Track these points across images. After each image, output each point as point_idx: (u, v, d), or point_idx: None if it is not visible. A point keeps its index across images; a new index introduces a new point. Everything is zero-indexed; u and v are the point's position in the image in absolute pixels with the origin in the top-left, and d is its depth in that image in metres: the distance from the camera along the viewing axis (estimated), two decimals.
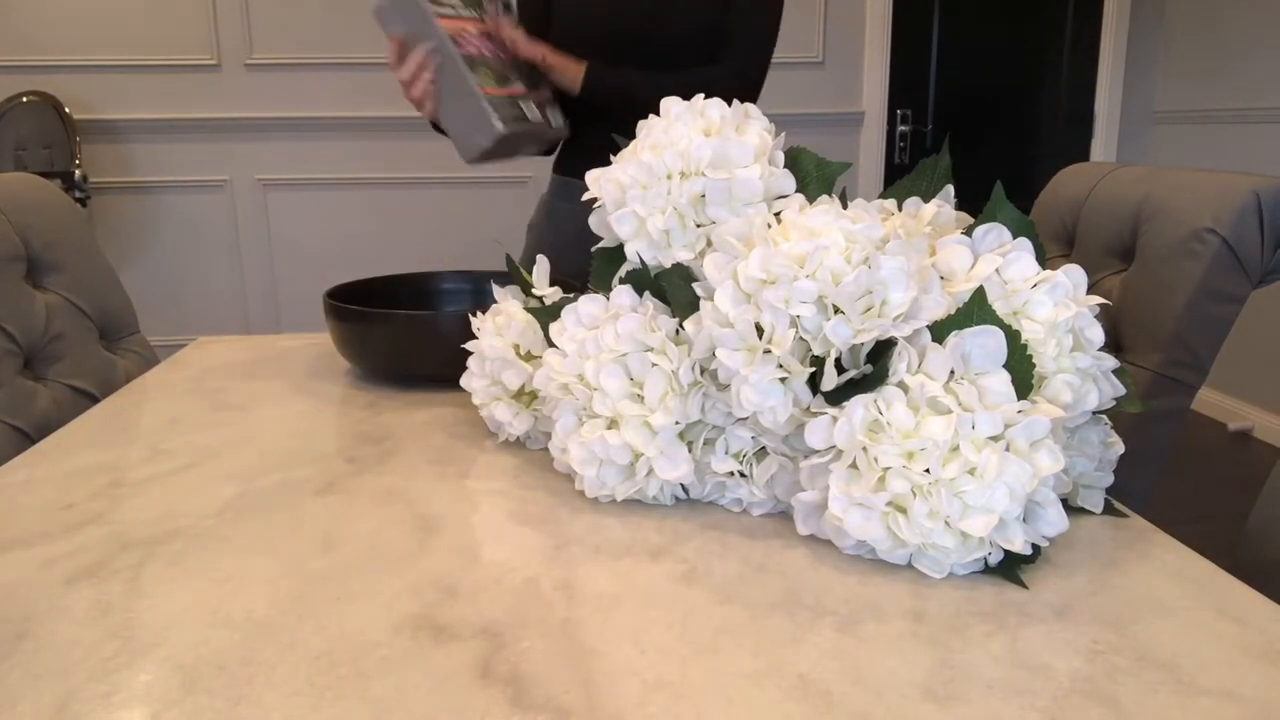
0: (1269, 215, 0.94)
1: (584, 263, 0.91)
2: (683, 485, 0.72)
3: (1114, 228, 1.09)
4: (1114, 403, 0.68)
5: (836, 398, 0.62)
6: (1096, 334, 0.66)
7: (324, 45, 3.31)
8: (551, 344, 0.75)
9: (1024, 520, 0.60)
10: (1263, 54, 3.21)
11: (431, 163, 3.38)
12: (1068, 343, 0.65)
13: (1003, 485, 0.57)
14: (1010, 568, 0.60)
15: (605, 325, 0.71)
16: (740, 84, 1.35)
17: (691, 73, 1.33)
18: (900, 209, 0.75)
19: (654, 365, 0.68)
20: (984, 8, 3.66)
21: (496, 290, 0.87)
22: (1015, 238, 0.68)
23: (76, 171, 3.11)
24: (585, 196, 0.80)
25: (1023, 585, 0.59)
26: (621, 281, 0.76)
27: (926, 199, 0.75)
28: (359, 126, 3.37)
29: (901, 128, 3.69)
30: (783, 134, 0.77)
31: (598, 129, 1.36)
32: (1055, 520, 0.61)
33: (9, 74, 3.20)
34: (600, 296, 0.74)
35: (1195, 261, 0.96)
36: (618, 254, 0.79)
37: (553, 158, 1.53)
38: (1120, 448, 0.71)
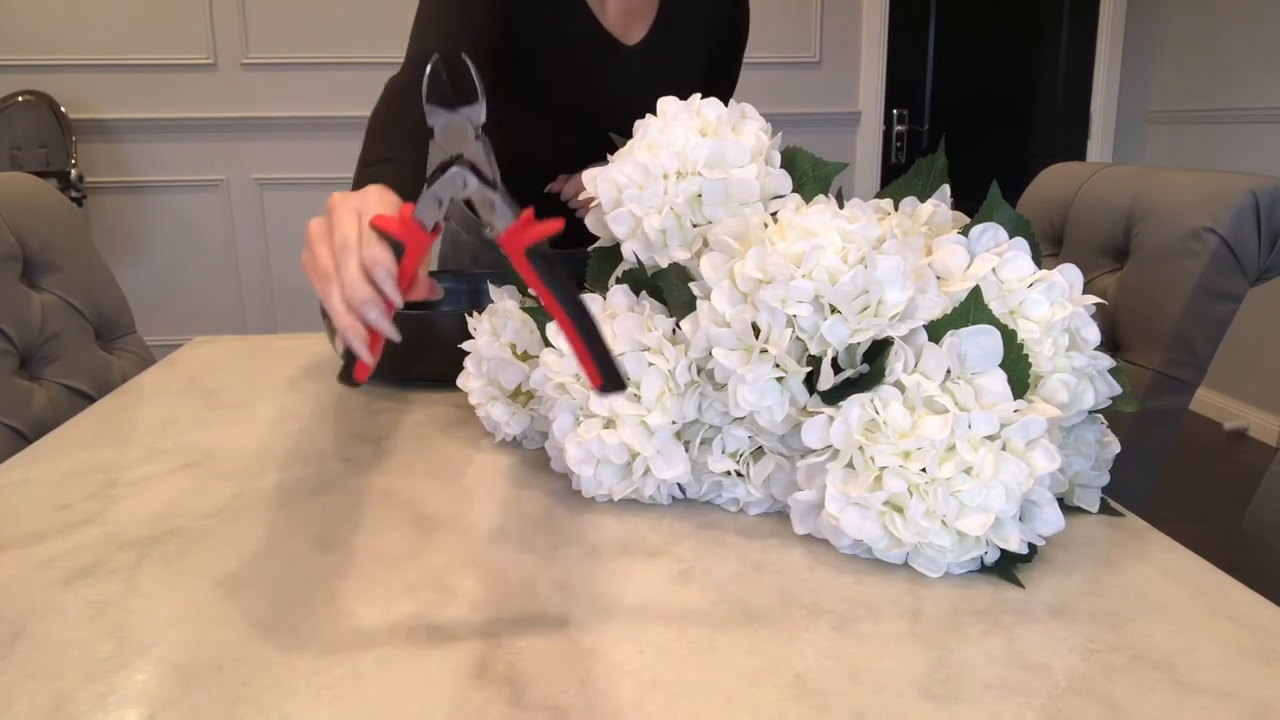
0: (1265, 214, 0.94)
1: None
2: (679, 485, 0.72)
3: (1105, 227, 1.10)
4: (1110, 402, 0.68)
5: (833, 397, 0.62)
6: (1092, 333, 0.66)
7: (320, 45, 3.30)
8: (548, 343, 0.75)
9: (1020, 519, 0.60)
10: (1257, 54, 3.22)
11: None
12: (1064, 342, 0.65)
13: (999, 484, 0.57)
14: (1007, 567, 0.60)
15: (602, 325, 0.71)
16: None
17: None
18: (896, 209, 0.75)
19: (650, 365, 0.68)
20: (980, 8, 3.67)
21: (493, 290, 0.87)
22: (1011, 237, 0.68)
23: (72, 171, 3.10)
24: (582, 196, 0.80)
25: (1019, 584, 0.59)
26: (618, 281, 0.76)
27: (923, 198, 0.75)
28: (356, 126, 3.36)
29: (898, 127, 3.69)
30: (779, 134, 0.77)
31: (506, 182, 1.33)
32: (1051, 519, 0.61)
33: (4, 73, 3.20)
34: (597, 296, 0.74)
35: (1194, 260, 0.96)
36: (614, 253, 0.79)
37: None
38: (1116, 447, 0.71)
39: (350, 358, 0.57)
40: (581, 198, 0.79)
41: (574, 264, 0.78)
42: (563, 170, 1.23)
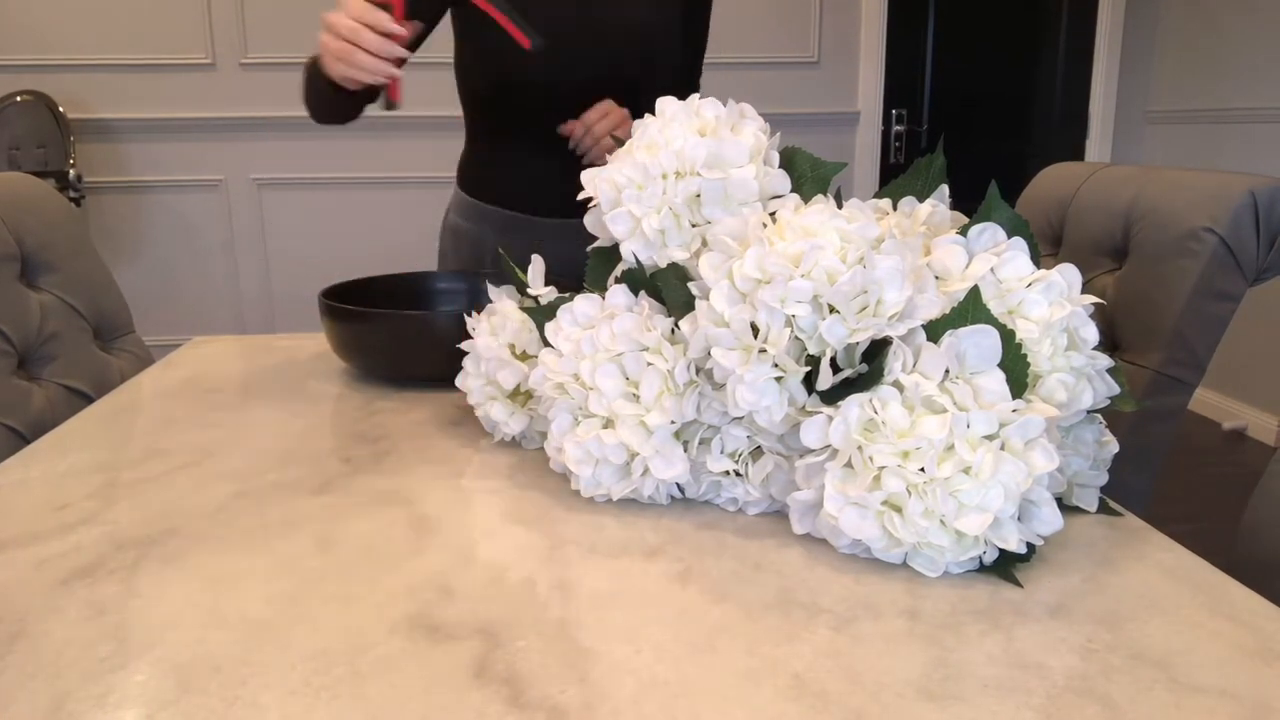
0: (1264, 214, 0.94)
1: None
2: (678, 484, 0.72)
3: (1104, 227, 1.10)
4: (1108, 402, 0.68)
5: (832, 397, 0.62)
6: (1091, 333, 0.66)
7: (319, 45, 3.30)
8: (547, 343, 0.75)
9: (1019, 519, 0.60)
10: (1255, 54, 3.22)
11: (427, 162, 3.38)
12: (1062, 342, 0.65)
13: (998, 484, 0.57)
14: (1005, 566, 0.60)
15: (601, 324, 0.71)
16: None
17: None
18: (895, 209, 0.75)
19: (649, 365, 0.68)
20: (979, 8, 3.67)
21: (492, 290, 0.87)
22: (1010, 237, 0.68)
23: (71, 171, 3.10)
24: (581, 196, 0.80)
25: (1018, 584, 0.59)
26: (617, 281, 0.76)
27: (921, 198, 0.75)
28: (354, 126, 3.36)
29: (897, 127, 3.69)
30: (777, 134, 0.77)
31: (502, 146, 1.31)
32: (1050, 519, 0.61)
33: (2, 73, 3.20)
34: (596, 296, 0.74)
35: (1193, 260, 0.96)
36: (613, 253, 0.79)
37: (454, 172, 1.41)
38: (1115, 446, 0.71)
39: (382, 88, 0.91)
40: (580, 197, 0.79)
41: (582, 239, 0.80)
42: (559, 91, 1.23)
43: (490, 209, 1.35)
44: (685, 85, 1.35)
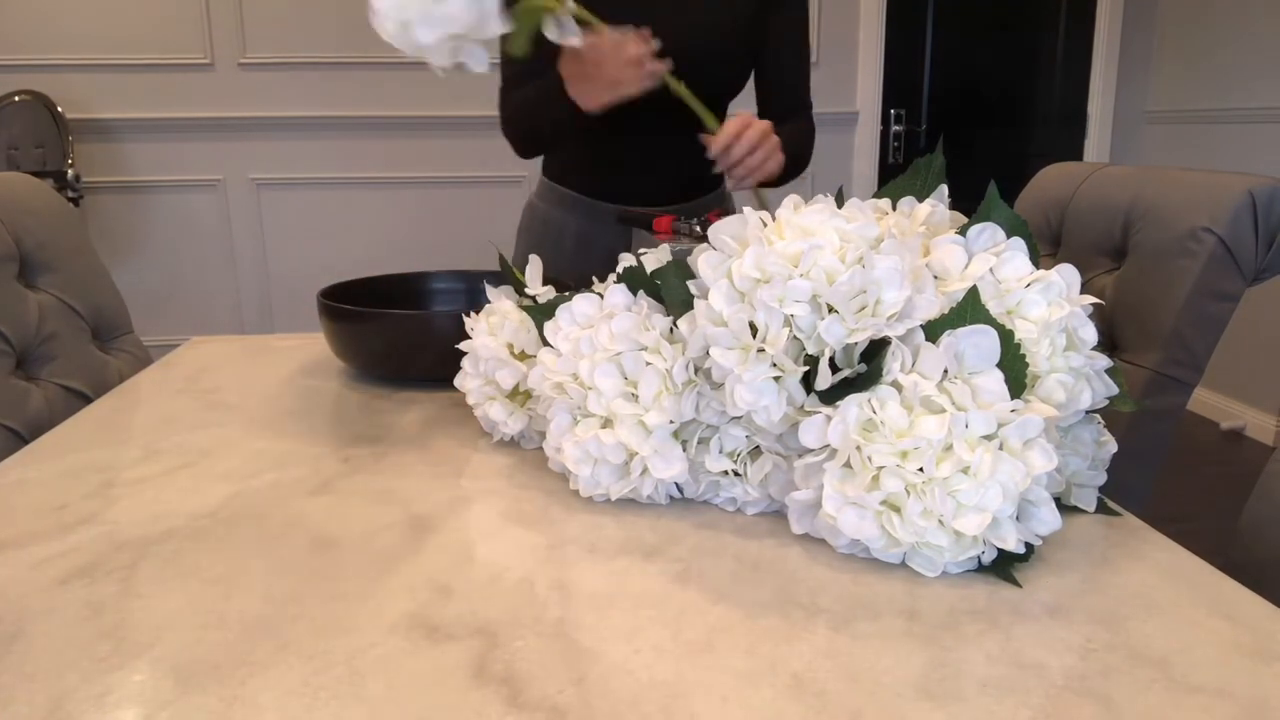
0: (1263, 214, 0.95)
1: (579, 269, 0.88)
2: (677, 484, 0.72)
3: (1103, 227, 1.10)
4: (1107, 402, 0.68)
5: (830, 397, 0.62)
6: (1090, 333, 0.66)
7: (317, 44, 3.30)
8: (546, 343, 0.75)
9: (1017, 519, 0.60)
10: (1254, 54, 3.22)
11: (425, 162, 3.38)
12: (1061, 342, 0.65)
13: (996, 484, 0.57)
14: (1004, 566, 0.60)
15: (599, 324, 0.71)
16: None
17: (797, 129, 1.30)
18: (894, 208, 0.75)
19: (648, 364, 0.68)
20: (978, 8, 3.67)
21: (490, 290, 0.87)
22: (1009, 237, 0.68)
23: (69, 171, 3.09)
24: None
25: (1016, 584, 0.59)
26: (615, 281, 0.76)
27: (921, 198, 0.75)
28: (353, 126, 3.37)
29: (895, 128, 3.69)
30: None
31: (590, 134, 1.35)
32: (1048, 519, 0.61)
33: (1, 73, 3.19)
34: (594, 295, 0.74)
35: (1192, 260, 0.96)
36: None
37: (539, 160, 1.46)
38: (1113, 446, 0.71)
39: None
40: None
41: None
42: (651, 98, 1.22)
43: (568, 194, 1.40)
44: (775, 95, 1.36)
